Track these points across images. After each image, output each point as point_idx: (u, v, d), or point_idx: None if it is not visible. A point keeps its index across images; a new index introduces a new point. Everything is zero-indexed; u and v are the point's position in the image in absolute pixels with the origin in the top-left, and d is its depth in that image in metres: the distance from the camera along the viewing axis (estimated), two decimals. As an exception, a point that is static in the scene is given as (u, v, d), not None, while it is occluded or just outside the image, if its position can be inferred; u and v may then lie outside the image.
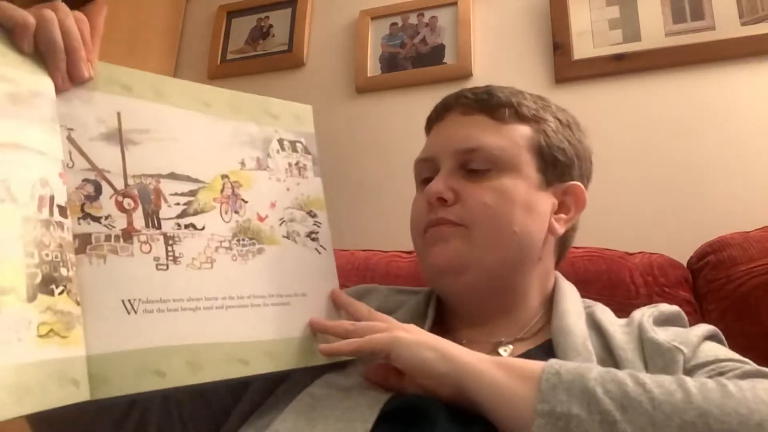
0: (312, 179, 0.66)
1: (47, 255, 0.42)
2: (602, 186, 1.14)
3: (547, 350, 0.59)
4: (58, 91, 0.48)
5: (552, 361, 0.48)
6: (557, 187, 0.67)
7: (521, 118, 0.66)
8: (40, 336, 0.40)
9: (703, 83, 1.15)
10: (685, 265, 0.93)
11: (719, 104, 1.13)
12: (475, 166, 0.64)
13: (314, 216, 0.65)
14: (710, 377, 0.49)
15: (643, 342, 0.57)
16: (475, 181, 0.64)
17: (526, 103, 0.67)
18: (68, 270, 0.44)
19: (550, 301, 0.67)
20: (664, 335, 0.57)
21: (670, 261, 0.90)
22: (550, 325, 0.62)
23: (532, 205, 0.64)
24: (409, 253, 1.00)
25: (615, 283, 0.86)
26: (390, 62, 1.41)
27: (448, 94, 0.71)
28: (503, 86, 0.70)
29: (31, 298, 0.40)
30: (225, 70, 1.56)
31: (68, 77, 0.49)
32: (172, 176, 0.54)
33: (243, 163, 0.60)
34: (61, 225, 0.45)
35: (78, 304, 0.44)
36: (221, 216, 0.56)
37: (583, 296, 0.69)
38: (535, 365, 0.48)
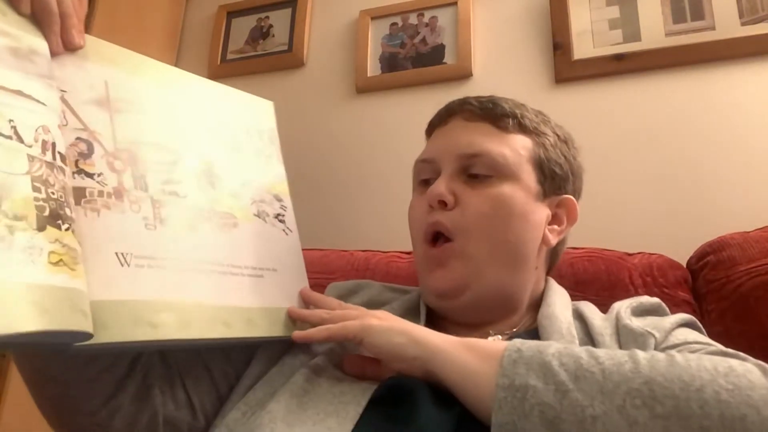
0: (277, 167, 0.70)
1: (53, 193, 0.43)
2: (602, 186, 1.15)
3: (532, 335, 0.61)
4: (52, 54, 0.50)
5: (515, 340, 0.49)
6: (552, 199, 0.69)
7: (523, 129, 0.68)
8: (51, 263, 0.41)
9: (703, 83, 1.15)
10: (684, 265, 0.92)
11: (719, 104, 1.13)
12: (477, 171, 0.65)
13: (280, 200, 0.68)
14: None
15: (619, 329, 0.59)
16: (476, 187, 0.65)
17: (528, 116, 0.69)
18: (71, 212, 0.45)
19: (540, 302, 0.68)
20: (639, 323, 0.59)
21: (670, 261, 0.90)
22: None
23: (528, 215, 0.65)
24: (409, 253, 1.00)
25: (614, 283, 0.86)
26: (390, 62, 1.41)
27: (452, 100, 0.72)
28: (506, 98, 0.71)
29: (42, 228, 0.41)
30: (225, 70, 1.56)
31: (61, 42, 0.51)
32: (156, 146, 0.57)
33: (218, 144, 0.64)
34: (62, 170, 0.46)
35: (80, 245, 0.45)
36: (200, 189, 0.59)
37: (582, 297, 0.70)
38: (500, 345, 0.49)
